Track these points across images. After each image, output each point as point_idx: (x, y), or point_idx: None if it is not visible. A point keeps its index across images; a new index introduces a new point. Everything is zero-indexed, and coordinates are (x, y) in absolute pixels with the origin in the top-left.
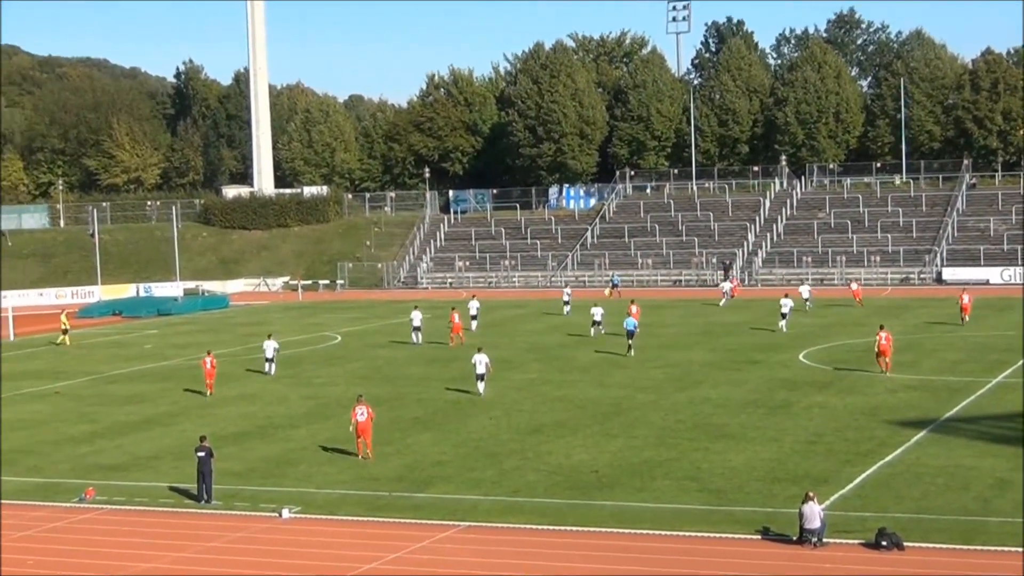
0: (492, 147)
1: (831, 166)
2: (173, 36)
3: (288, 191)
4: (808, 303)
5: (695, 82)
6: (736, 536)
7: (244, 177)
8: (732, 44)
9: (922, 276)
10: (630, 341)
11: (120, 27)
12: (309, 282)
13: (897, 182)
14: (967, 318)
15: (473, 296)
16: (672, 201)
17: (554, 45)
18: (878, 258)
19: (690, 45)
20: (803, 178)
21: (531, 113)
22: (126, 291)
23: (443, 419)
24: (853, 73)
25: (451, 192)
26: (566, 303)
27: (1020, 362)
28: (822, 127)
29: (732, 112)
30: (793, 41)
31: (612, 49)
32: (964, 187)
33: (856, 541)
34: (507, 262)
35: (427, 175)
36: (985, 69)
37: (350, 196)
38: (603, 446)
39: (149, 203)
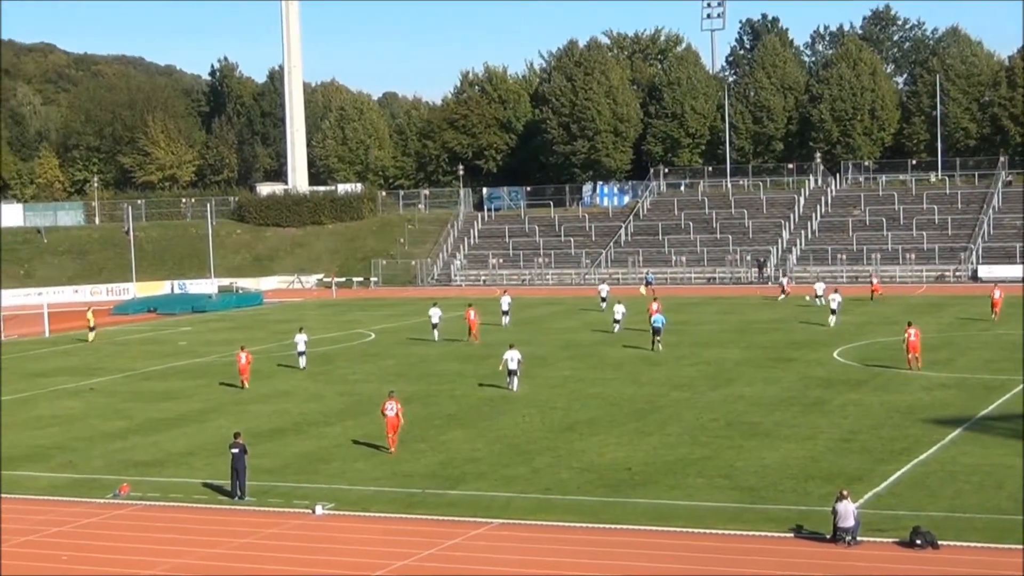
0: (526, 144)
1: (866, 163)
2: (208, 34)
3: (322, 188)
4: (819, 300)
5: (730, 79)
6: (769, 534)
7: (278, 174)
8: (767, 41)
9: (957, 274)
10: (657, 337)
11: (156, 25)
12: (343, 279)
13: (932, 179)
14: (997, 314)
15: (504, 292)
16: (706, 198)
17: (588, 42)
18: (913, 256)
19: (724, 42)
20: (838, 175)
21: (565, 110)
22: (161, 288)
23: (476, 416)
24: (888, 70)
25: (485, 189)
26: (603, 299)
27: None
28: (857, 124)
29: (767, 109)
30: (828, 38)
31: (647, 46)
32: (1000, 184)
33: (890, 540)
34: (541, 259)
35: (461, 172)
36: (1022, 66)
37: (384, 193)
38: (636, 444)
39: (184, 200)
